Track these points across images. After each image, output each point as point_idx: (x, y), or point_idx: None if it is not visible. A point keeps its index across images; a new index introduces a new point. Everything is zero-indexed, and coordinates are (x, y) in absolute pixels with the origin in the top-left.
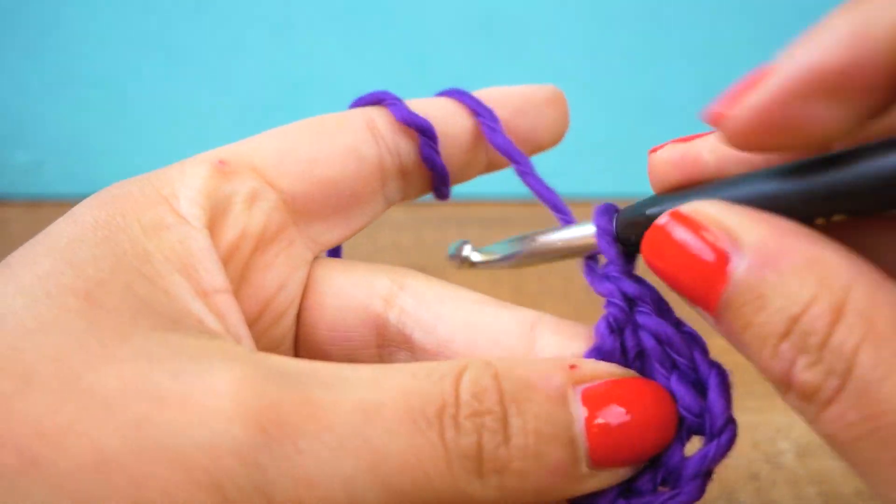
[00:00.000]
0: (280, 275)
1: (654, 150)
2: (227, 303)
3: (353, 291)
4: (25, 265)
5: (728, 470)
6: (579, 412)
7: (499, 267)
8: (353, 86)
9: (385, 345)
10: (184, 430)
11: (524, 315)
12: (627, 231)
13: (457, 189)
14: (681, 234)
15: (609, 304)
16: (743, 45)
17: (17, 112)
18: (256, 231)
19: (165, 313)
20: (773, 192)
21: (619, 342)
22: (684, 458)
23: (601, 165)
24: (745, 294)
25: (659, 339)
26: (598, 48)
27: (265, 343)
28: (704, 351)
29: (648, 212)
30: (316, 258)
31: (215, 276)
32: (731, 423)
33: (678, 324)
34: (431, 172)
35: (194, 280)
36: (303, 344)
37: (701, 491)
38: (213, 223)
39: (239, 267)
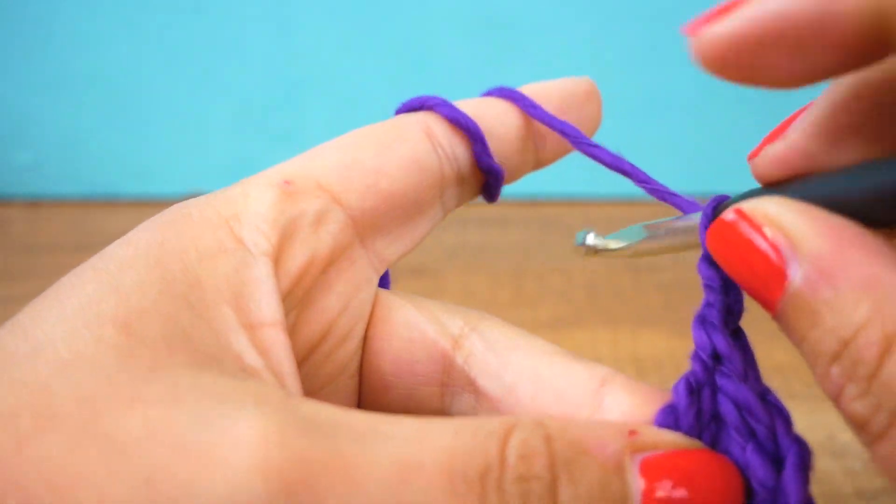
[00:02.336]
0: (342, 296)
1: (753, 156)
2: (275, 337)
3: (424, 326)
4: (72, 290)
5: None
6: (636, 484)
7: (620, 255)
8: (354, 86)
9: (449, 384)
10: (199, 484)
11: (595, 371)
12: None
13: None
14: (745, 231)
15: (694, 358)
16: None
17: (17, 112)
18: (324, 254)
19: (204, 348)
20: (845, 191)
21: (697, 405)
22: None
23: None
24: (800, 306)
25: (738, 406)
26: (598, 48)
27: (330, 368)
28: (788, 423)
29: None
30: (384, 290)
31: (266, 308)
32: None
33: (764, 392)
34: (486, 176)
35: (243, 312)
36: (367, 372)
37: None
38: (279, 249)
39: (304, 292)
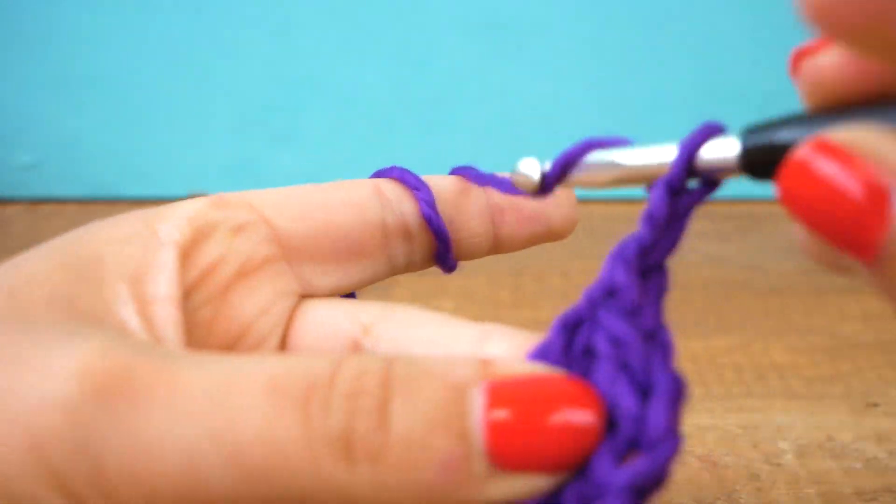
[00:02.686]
0: (262, 301)
1: (806, 53)
2: (166, 311)
3: (337, 319)
4: None
5: (728, 470)
6: (476, 402)
7: (573, 185)
8: (353, 86)
9: None
10: (21, 391)
11: (484, 329)
12: (759, 159)
13: None
14: (827, 168)
15: (584, 293)
16: (743, 45)
17: (17, 112)
18: (239, 258)
19: (88, 314)
20: None
21: (569, 340)
22: (614, 471)
23: None
24: None
25: (613, 339)
26: (598, 48)
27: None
28: (667, 358)
29: (788, 137)
30: (315, 298)
31: (162, 287)
32: (671, 435)
33: (654, 329)
34: (436, 238)
35: (139, 288)
36: None
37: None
38: (192, 244)
39: (217, 288)
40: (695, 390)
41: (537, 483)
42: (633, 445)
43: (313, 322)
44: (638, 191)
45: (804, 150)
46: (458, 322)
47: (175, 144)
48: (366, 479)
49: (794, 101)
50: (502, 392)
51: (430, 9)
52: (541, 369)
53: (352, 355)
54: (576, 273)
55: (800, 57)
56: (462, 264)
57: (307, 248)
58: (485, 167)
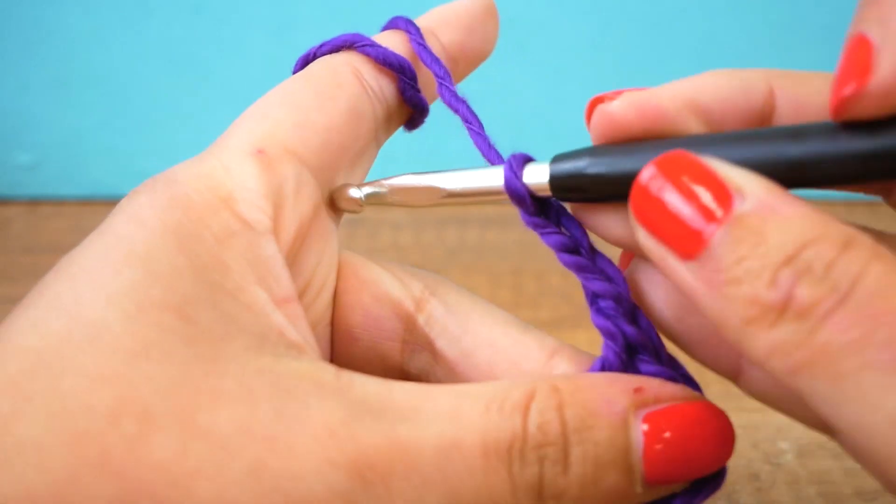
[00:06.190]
0: (317, 251)
1: (601, 100)
2: (298, 310)
3: (389, 285)
4: (105, 271)
5: (728, 470)
6: (639, 438)
7: (394, 205)
8: None
9: (410, 341)
10: (295, 477)
11: (545, 342)
12: (564, 190)
13: None
14: (675, 177)
15: (606, 346)
16: (743, 46)
17: (17, 112)
18: (307, 218)
19: (250, 329)
20: (768, 156)
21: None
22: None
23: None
24: (745, 230)
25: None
26: (598, 48)
27: (310, 318)
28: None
29: (595, 171)
30: (346, 251)
31: (286, 285)
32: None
33: (671, 360)
34: (411, 109)
35: (271, 290)
36: (337, 324)
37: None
38: (275, 224)
39: (294, 255)
40: None
41: (678, 487)
42: None
43: (365, 281)
44: None
45: (648, 172)
46: (513, 324)
47: (175, 144)
48: None
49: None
50: (656, 423)
51: (429, 9)
52: (682, 394)
53: (532, 398)
54: None
55: (594, 103)
56: (462, 265)
57: (330, 175)
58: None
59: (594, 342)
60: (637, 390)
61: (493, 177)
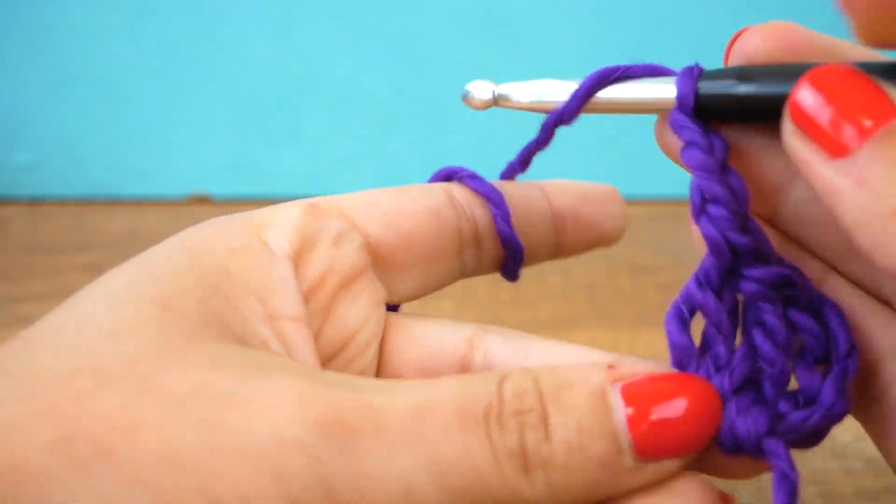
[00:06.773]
0: (362, 311)
1: (744, 32)
2: (298, 331)
3: (439, 334)
4: (116, 276)
5: None
6: (618, 405)
7: (537, 109)
8: (354, 86)
9: None
10: (251, 429)
11: (603, 356)
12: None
13: None
14: (841, 82)
15: (704, 265)
16: None
17: (17, 112)
18: (343, 268)
19: (233, 329)
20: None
21: (690, 338)
22: (821, 379)
23: (602, 165)
24: None
25: (767, 285)
26: (598, 48)
27: (350, 373)
28: (812, 287)
29: (743, 90)
30: (393, 312)
31: (289, 304)
32: (855, 349)
33: (780, 261)
34: (505, 248)
35: (267, 304)
36: (389, 377)
37: (848, 405)
38: (300, 256)
39: (325, 299)
40: None
41: (673, 466)
42: (819, 361)
43: (416, 336)
44: (634, 192)
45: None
46: (567, 344)
47: (175, 144)
48: (541, 485)
49: None
50: (636, 392)
51: (430, 8)
52: (657, 368)
53: (506, 375)
54: (576, 273)
55: (734, 39)
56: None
57: (392, 256)
58: (484, 167)
59: (594, 342)
60: (610, 367)
61: (657, 89)
